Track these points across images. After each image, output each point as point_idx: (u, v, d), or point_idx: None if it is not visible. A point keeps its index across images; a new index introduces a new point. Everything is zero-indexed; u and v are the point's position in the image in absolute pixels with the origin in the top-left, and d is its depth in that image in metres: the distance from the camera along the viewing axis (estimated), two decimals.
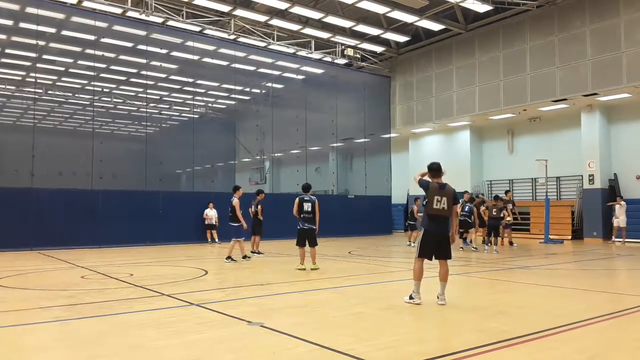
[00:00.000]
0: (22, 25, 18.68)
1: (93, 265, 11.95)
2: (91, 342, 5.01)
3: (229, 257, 12.60)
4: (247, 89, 26.19)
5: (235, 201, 12.94)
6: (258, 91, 26.27)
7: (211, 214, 19.82)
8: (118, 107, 23.85)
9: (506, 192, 19.47)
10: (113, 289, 8.43)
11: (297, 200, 10.78)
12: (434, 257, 6.85)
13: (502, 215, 15.71)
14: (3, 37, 19.54)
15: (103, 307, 6.81)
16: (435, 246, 6.78)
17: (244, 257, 12.94)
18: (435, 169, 6.92)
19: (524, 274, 10.61)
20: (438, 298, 6.84)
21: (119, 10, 19.65)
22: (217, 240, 19.71)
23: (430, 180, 6.93)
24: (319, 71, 26.24)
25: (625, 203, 19.03)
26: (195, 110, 23.78)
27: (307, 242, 10.79)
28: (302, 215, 10.69)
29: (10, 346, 4.97)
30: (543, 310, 6.73)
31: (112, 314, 6.42)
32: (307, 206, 10.65)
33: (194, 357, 4.49)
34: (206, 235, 19.82)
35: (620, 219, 18.88)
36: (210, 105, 26.03)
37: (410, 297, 6.80)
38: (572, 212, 22.03)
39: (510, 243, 18.13)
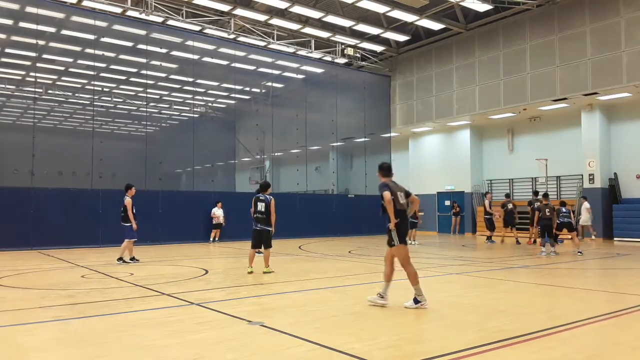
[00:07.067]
0: (22, 24, 18.68)
1: (93, 265, 11.96)
2: (91, 342, 5.01)
3: (120, 258, 12.21)
4: (247, 89, 26.20)
5: (128, 200, 12.28)
6: (258, 90, 26.28)
7: (218, 213, 19.79)
8: (118, 106, 23.88)
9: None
10: (113, 289, 8.43)
11: (253, 199, 10.30)
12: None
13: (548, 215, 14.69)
14: (3, 36, 19.54)
15: (103, 306, 6.81)
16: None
17: (132, 258, 12.45)
18: (387, 169, 7.10)
19: (523, 273, 10.60)
20: (380, 298, 6.75)
21: (118, 10, 19.65)
22: (217, 239, 19.71)
23: (385, 180, 6.96)
24: (319, 70, 26.24)
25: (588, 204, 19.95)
26: (195, 109, 23.80)
27: (261, 244, 10.22)
28: (255, 216, 10.13)
29: (10, 346, 4.97)
30: (543, 309, 6.73)
31: (112, 313, 6.42)
32: (260, 206, 10.07)
33: (194, 356, 4.49)
34: (209, 234, 19.78)
35: (584, 218, 19.90)
36: (210, 104, 26.04)
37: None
38: (572, 212, 22.01)
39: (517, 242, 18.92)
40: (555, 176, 22.74)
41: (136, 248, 16.97)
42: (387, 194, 6.60)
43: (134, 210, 12.34)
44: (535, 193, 18.93)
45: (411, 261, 6.82)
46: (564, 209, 14.97)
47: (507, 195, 20.30)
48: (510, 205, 19.06)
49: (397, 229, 6.62)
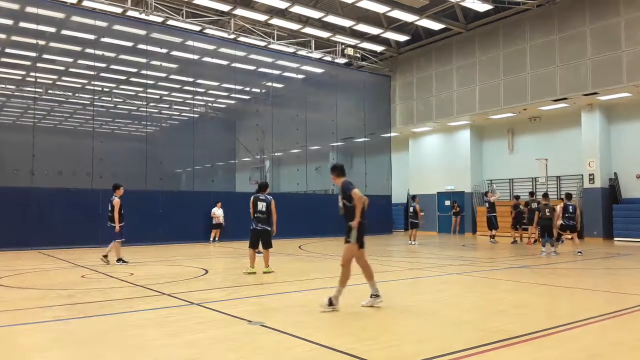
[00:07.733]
0: (22, 24, 18.68)
1: (93, 265, 11.95)
2: (91, 342, 5.02)
3: (119, 259, 12.00)
4: (247, 89, 26.19)
5: (116, 201, 11.99)
6: (258, 90, 26.27)
7: (218, 213, 19.77)
8: (118, 106, 23.87)
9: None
10: (113, 289, 8.43)
11: (252, 199, 10.30)
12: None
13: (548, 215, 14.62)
14: (3, 36, 19.54)
15: (103, 306, 6.81)
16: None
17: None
18: (341, 168, 7.14)
19: (524, 273, 10.60)
20: (374, 298, 6.61)
21: (119, 10, 19.65)
22: (217, 239, 19.70)
23: (346, 179, 6.97)
24: (319, 70, 26.23)
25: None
26: (195, 109, 23.79)
27: (260, 244, 10.22)
28: (255, 215, 10.12)
29: (10, 346, 4.97)
30: (543, 309, 6.73)
31: (112, 313, 6.42)
32: (260, 205, 10.09)
33: (194, 356, 4.50)
34: (210, 234, 19.76)
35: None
36: (210, 104, 26.04)
37: (330, 303, 6.45)
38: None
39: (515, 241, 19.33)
40: (555, 176, 22.73)
41: (136, 248, 17.03)
42: (357, 192, 6.68)
43: (122, 211, 12.10)
44: (532, 194, 19.31)
45: (369, 262, 6.88)
46: (570, 208, 14.36)
47: (517, 197, 20.42)
48: (521, 207, 19.25)
49: (359, 227, 6.67)
